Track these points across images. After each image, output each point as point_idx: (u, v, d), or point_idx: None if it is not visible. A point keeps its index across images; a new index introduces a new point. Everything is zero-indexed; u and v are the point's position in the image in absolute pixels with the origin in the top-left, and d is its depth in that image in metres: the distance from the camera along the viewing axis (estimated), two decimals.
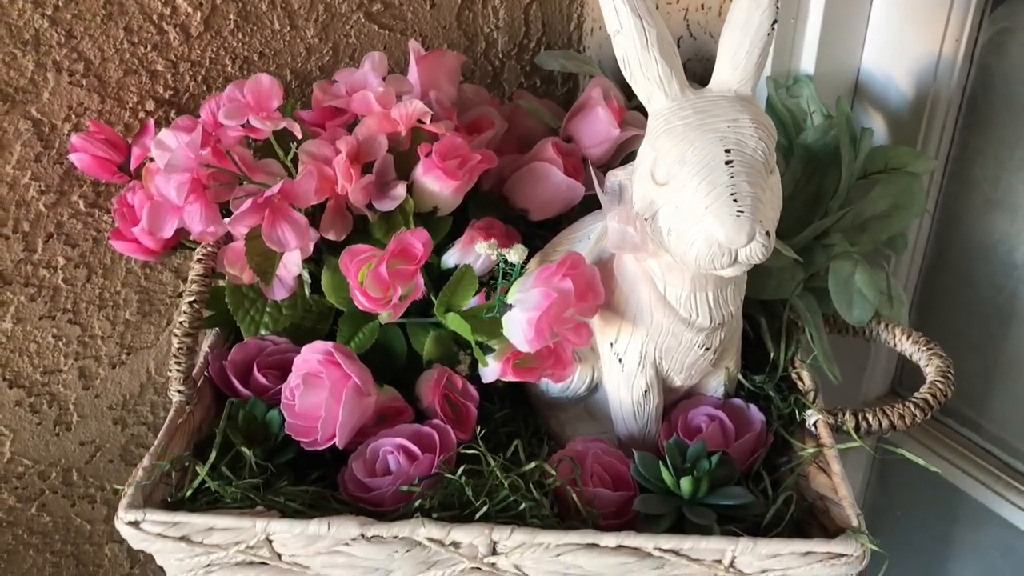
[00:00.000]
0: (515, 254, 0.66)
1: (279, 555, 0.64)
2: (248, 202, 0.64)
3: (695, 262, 0.59)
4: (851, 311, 0.71)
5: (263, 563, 0.65)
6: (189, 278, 0.70)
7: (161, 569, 1.09)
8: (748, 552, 0.60)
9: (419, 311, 0.76)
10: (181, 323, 0.69)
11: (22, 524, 0.95)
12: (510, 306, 0.66)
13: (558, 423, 0.77)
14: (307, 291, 0.77)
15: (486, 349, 0.70)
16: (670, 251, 0.61)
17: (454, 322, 0.70)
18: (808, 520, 0.66)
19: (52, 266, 0.85)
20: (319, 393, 0.67)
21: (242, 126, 0.68)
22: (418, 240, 0.68)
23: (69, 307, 0.87)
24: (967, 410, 0.96)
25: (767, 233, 0.58)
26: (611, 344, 0.69)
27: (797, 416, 0.71)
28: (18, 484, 0.93)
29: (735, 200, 0.57)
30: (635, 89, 0.63)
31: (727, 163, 0.57)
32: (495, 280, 0.69)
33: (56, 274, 0.85)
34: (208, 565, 0.65)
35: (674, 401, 0.74)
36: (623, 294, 0.67)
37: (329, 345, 0.69)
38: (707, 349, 0.68)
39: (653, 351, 0.68)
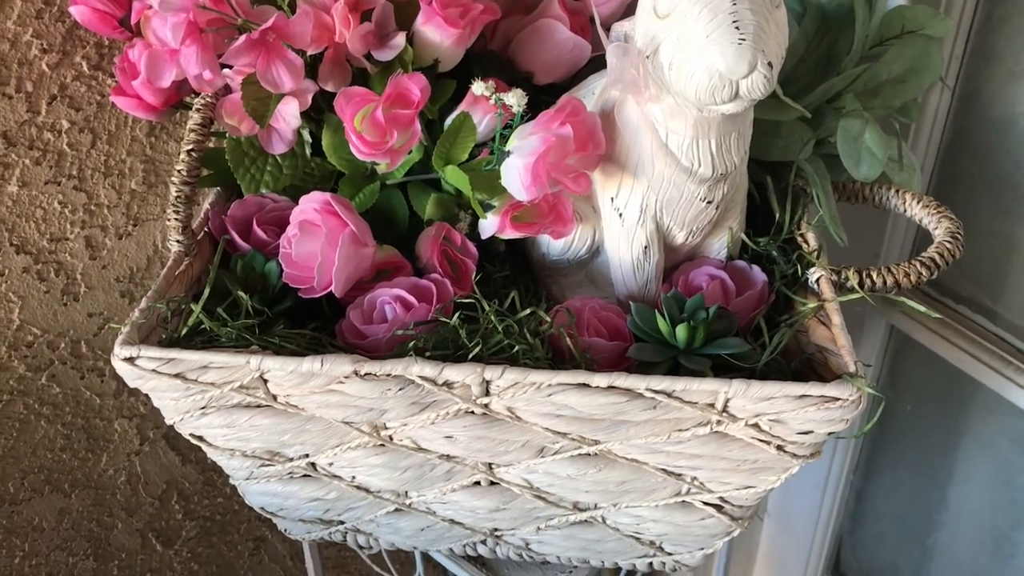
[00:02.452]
0: (513, 97, 0.65)
1: (274, 396, 0.65)
2: (243, 38, 0.63)
3: (696, 96, 0.58)
4: (858, 167, 0.70)
5: (259, 405, 0.66)
6: (187, 127, 0.69)
7: (171, 447, 1.11)
8: (741, 395, 0.59)
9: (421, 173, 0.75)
10: (179, 171, 0.68)
11: (33, 394, 0.97)
12: (508, 153, 0.65)
13: (559, 289, 0.76)
14: (307, 151, 0.76)
15: (486, 208, 0.69)
16: (671, 88, 0.59)
17: (452, 175, 0.70)
18: (806, 371, 0.66)
19: (56, 129, 0.84)
20: (315, 241, 0.67)
21: None
22: (415, 85, 0.66)
23: (75, 173, 0.87)
24: (982, 296, 0.94)
25: (769, 64, 0.56)
26: (611, 199, 0.68)
27: (800, 275, 0.70)
28: (28, 353, 0.94)
29: (737, 28, 0.55)
30: None
31: None
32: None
33: (61, 138, 0.85)
34: (204, 407, 0.66)
35: (676, 264, 0.73)
36: (624, 144, 0.66)
37: (327, 195, 0.69)
38: (709, 203, 0.67)
39: (654, 204, 0.67)
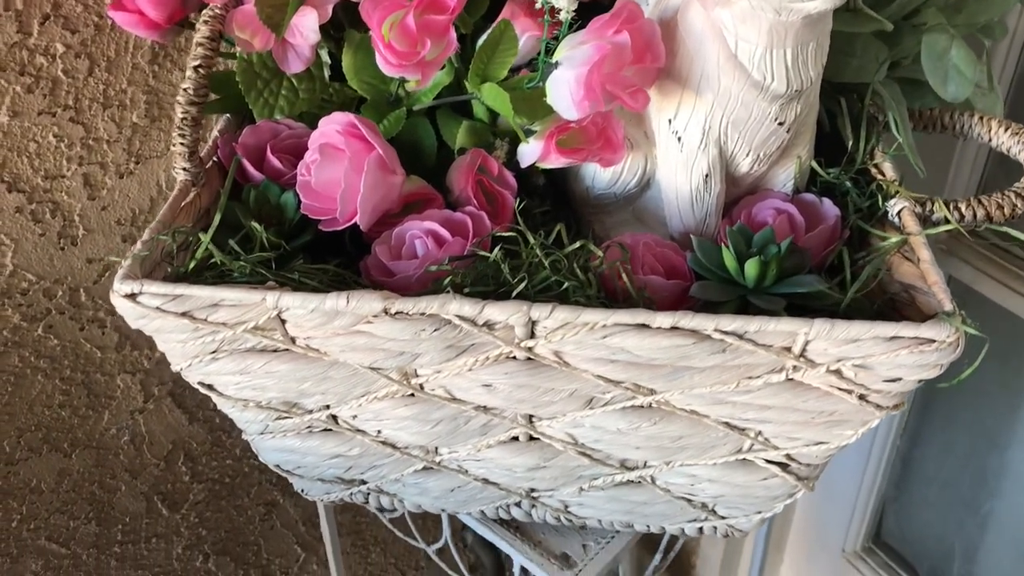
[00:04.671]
0: (563, 0, 0.57)
1: (292, 339, 0.58)
2: None
3: None
4: (946, 87, 0.62)
5: (275, 350, 0.59)
6: (194, 42, 0.62)
7: (178, 405, 1.04)
8: (823, 336, 0.52)
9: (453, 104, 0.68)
10: (185, 90, 0.61)
11: (28, 345, 0.90)
12: (556, 65, 0.58)
13: (603, 228, 0.69)
14: (326, 73, 0.69)
15: (527, 133, 0.62)
16: None
17: (491, 95, 0.62)
18: (889, 313, 0.58)
19: (50, 53, 0.77)
20: (338, 166, 0.60)
21: None
22: None
23: (71, 103, 0.80)
24: None
25: None
26: (669, 121, 0.61)
27: (879, 208, 0.62)
28: (22, 301, 0.87)
29: None
30: None
31: None
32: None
33: (55, 63, 0.78)
34: (215, 351, 0.59)
35: (735, 199, 0.66)
36: (687, 56, 0.59)
37: (351, 115, 0.61)
38: (781, 124, 0.59)
39: (718, 126, 0.59)
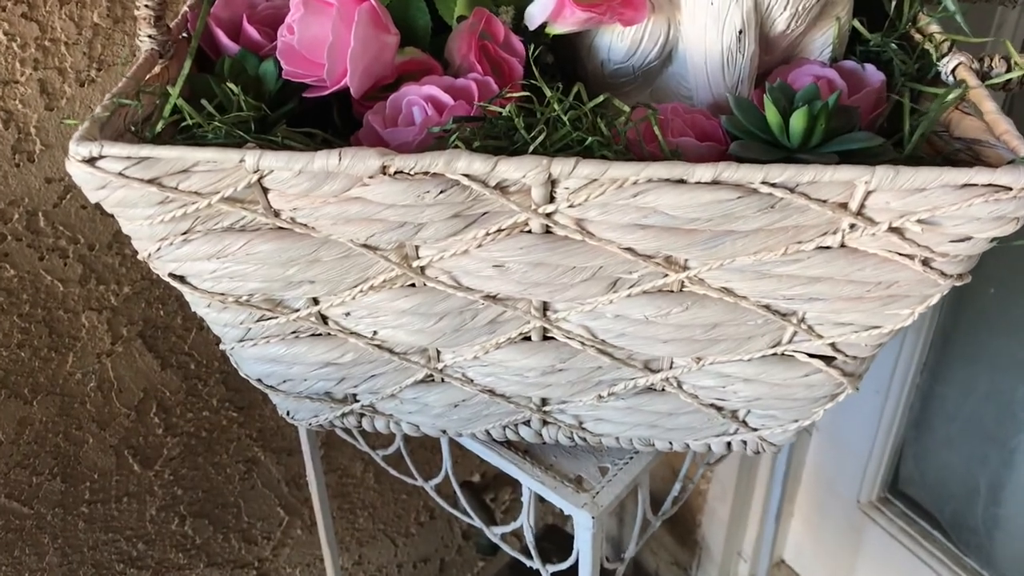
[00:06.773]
0: None
1: (276, 212, 0.51)
2: None
3: None
4: None
5: (256, 228, 0.52)
6: None
7: (149, 348, 0.96)
8: (886, 186, 0.46)
9: None
10: None
11: None
12: None
13: None
14: None
15: None
16: None
17: None
18: None
19: None
20: (325, 20, 0.53)
21: None
22: None
23: None
24: None
25: None
26: None
27: (930, 70, 0.56)
28: None
29: None
30: None
31: None
32: None
33: None
34: (187, 232, 0.52)
35: (767, 69, 0.60)
36: None
37: None
38: None
39: None
